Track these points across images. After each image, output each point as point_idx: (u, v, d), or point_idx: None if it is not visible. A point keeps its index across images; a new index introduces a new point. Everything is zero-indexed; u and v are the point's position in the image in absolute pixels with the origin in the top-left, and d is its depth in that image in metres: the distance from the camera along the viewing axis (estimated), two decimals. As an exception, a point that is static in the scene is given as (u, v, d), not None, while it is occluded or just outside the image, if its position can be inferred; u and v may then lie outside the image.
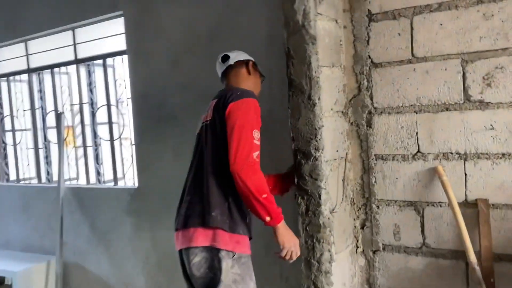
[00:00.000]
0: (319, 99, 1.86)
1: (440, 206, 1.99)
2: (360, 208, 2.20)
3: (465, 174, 1.92)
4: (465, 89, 1.90)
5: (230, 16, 2.61)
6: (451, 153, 1.95)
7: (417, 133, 2.02)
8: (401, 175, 2.07)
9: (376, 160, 2.13)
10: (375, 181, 2.14)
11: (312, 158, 1.87)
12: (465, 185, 1.92)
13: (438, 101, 1.96)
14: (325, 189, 1.87)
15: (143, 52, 3.06)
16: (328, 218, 1.89)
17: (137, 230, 3.28)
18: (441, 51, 1.94)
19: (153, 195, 3.10)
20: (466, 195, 1.93)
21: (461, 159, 1.93)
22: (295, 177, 1.93)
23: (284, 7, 1.88)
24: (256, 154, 1.68)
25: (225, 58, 2.07)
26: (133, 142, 3.34)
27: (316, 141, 1.86)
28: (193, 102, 2.75)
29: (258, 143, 1.70)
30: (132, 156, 3.44)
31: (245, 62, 2.04)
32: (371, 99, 2.12)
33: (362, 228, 2.20)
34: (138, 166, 3.22)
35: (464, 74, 1.90)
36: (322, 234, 1.87)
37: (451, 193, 1.89)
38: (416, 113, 2.01)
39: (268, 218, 1.65)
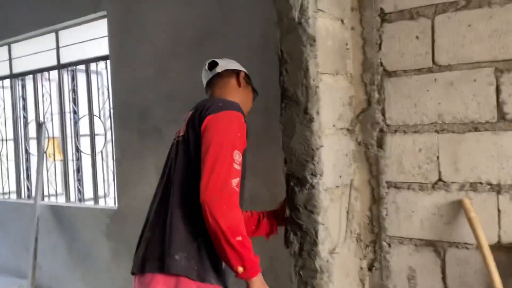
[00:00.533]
0: (317, 113, 1.56)
1: (467, 248, 1.65)
2: (367, 246, 1.86)
3: (499, 210, 1.59)
4: (499, 105, 1.58)
5: (221, 17, 2.35)
6: (481, 184, 1.62)
7: (438, 157, 1.70)
8: (418, 207, 1.74)
9: (388, 188, 1.81)
10: (386, 214, 1.81)
11: (308, 185, 1.56)
12: (499, 223, 1.59)
13: (465, 119, 1.64)
14: (323, 224, 1.55)
15: (126, 56, 2.81)
16: (327, 261, 1.57)
17: (116, 257, 2.98)
18: (469, 58, 1.63)
19: (133, 218, 2.81)
20: (499, 236, 1.59)
21: (493, 191, 1.60)
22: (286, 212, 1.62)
23: (277, 1, 1.59)
24: (235, 182, 1.38)
25: (213, 65, 1.79)
26: (114, 157, 3.06)
27: (313, 164, 1.55)
28: (178, 114, 2.45)
29: (238, 167, 1.40)
30: (113, 173, 3.16)
31: (236, 72, 1.77)
32: (383, 114, 1.81)
33: (370, 269, 1.86)
34: (118, 185, 2.94)
35: (498, 86, 1.58)
36: (319, 281, 1.55)
37: (481, 233, 1.56)
38: (438, 133, 1.69)
39: (240, 269, 1.33)
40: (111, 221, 2.97)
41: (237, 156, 1.39)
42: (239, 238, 1.32)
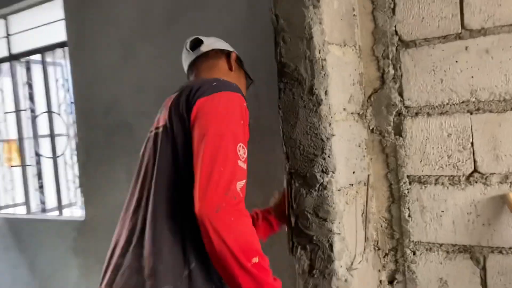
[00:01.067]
0: (326, 93, 1.25)
1: (513, 253, 1.38)
2: (387, 255, 1.58)
3: (552, 206, 1.31)
4: (548, 76, 1.30)
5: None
6: (528, 174, 1.34)
7: (472, 143, 1.41)
8: (449, 206, 1.46)
9: (410, 184, 1.52)
10: (409, 215, 1.53)
11: (318, 186, 1.25)
12: (553, 222, 1.32)
13: (506, 94, 1.36)
14: (339, 234, 1.25)
15: (87, 41, 2.45)
16: (345, 280, 1.27)
17: (85, 275, 2.63)
18: (509, 19, 1.34)
19: (104, 230, 2.45)
20: (554, 237, 1.32)
21: (544, 182, 1.32)
22: (287, 208, 1.31)
23: (269, -49, 1.28)
24: (241, 184, 1.06)
25: (196, 43, 1.47)
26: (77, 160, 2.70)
27: (324, 158, 1.24)
28: (152, 106, 2.14)
29: (244, 166, 1.08)
30: (78, 178, 2.80)
31: (226, 53, 1.47)
32: (401, 94, 1.52)
33: (391, 283, 1.58)
34: (84, 192, 2.58)
35: (546, 52, 1.30)
36: (336, 307, 1.24)
37: (531, 235, 1.29)
38: (471, 113, 1.41)
39: None
40: (79, 234, 2.62)
41: (242, 151, 1.07)
42: (256, 260, 1.00)
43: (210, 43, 1.47)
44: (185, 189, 1.08)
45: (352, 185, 1.39)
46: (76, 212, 2.95)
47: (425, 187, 1.50)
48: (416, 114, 1.50)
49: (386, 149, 1.55)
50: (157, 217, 1.11)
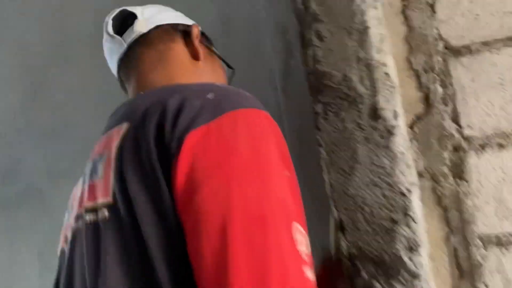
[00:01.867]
0: (395, 117, 0.80)
1: None
2: None
3: None
4: None
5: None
6: None
7: None
8: (548, 276, 1.04)
9: (485, 247, 1.09)
10: (488, 295, 1.08)
11: (406, 274, 0.76)
12: None
13: None
14: None
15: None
16: None
17: None
18: None
19: None
20: None
21: None
22: None
23: None
24: None
25: (124, 21, 0.89)
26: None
27: (408, 225, 0.78)
28: (71, 163, 1.57)
29: (310, 271, 0.56)
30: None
31: (181, 29, 0.89)
32: (456, 121, 1.11)
33: None
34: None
35: None
36: None
37: None
38: None
39: None
40: None
41: (300, 236, 0.54)
42: None
43: (149, 16, 0.88)
44: None
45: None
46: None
47: (508, 250, 1.08)
48: (482, 146, 1.10)
49: (444, 199, 1.11)
50: None
